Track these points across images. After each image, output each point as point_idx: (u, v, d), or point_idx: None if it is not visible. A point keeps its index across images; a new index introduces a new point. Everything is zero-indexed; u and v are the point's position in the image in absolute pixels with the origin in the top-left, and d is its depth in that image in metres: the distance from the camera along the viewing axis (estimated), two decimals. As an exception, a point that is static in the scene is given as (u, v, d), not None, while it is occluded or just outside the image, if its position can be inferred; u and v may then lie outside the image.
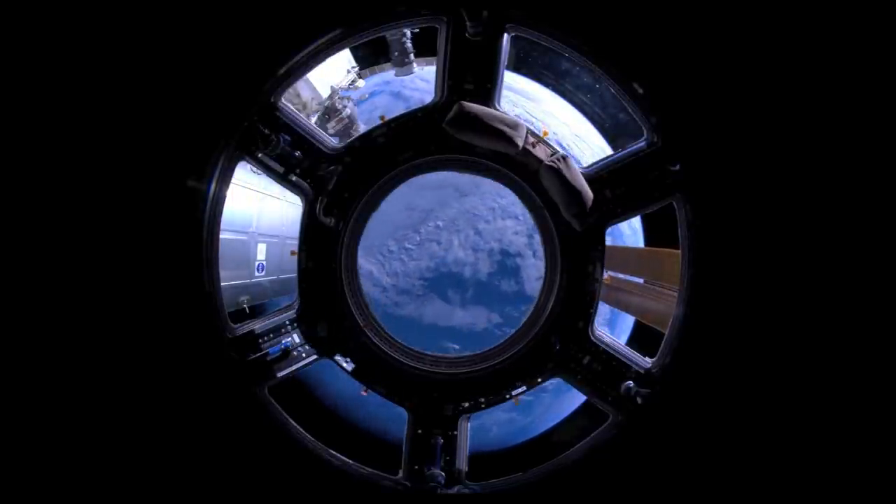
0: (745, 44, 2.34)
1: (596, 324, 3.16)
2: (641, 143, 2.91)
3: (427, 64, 6.60)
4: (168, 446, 2.64)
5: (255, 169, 3.15)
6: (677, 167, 2.77)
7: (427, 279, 16.81)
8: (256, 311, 6.45)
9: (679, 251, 2.86)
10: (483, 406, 3.20)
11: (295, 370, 3.13)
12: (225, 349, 2.84)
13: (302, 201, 3.09)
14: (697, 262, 2.73)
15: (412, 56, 6.41)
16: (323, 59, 2.76)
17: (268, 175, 3.01)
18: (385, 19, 2.73)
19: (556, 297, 3.12)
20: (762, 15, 2.28)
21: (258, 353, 2.99)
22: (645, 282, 5.68)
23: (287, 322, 3.14)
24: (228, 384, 2.83)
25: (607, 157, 3.08)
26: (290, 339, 3.13)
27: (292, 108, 2.95)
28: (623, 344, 3.22)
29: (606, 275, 3.12)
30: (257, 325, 3.07)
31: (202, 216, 2.63)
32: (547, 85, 7.70)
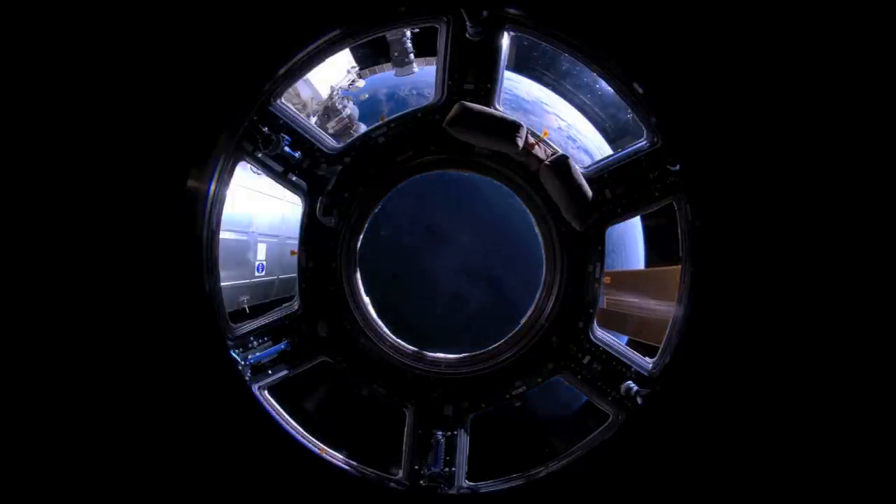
0: (745, 43, 2.34)
1: (596, 324, 3.16)
2: (642, 143, 2.90)
3: (427, 64, 6.60)
4: (168, 449, 2.64)
5: (255, 169, 3.15)
6: (678, 167, 2.77)
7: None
8: (257, 311, 6.44)
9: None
10: (483, 406, 3.20)
11: (294, 370, 3.12)
12: (224, 350, 2.84)
13: (302, 201, 3.08)
14: (697, 262, 2.73)
15: (412, 56, 6.42)
16: (323, 60, 2.77)
17: (267, 175, 3.01)
18: (385, 20, 2.73)
19: (556, 297, 3.12)
20: (762, 14, 2.28)
21: (257, 354, 2.99)
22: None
23: (287, 322, 3.14)
24: (227, 385, 2.83)
25: (607, 157, 3.08)
26: (289, 338, 3.13)
27: (292, 108, 2.96)
28: (623, 344, 3.22)
29: (604, 300, 3.12)
30: (257, 325, 3.07)
31: (202, 216, 2.64)
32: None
